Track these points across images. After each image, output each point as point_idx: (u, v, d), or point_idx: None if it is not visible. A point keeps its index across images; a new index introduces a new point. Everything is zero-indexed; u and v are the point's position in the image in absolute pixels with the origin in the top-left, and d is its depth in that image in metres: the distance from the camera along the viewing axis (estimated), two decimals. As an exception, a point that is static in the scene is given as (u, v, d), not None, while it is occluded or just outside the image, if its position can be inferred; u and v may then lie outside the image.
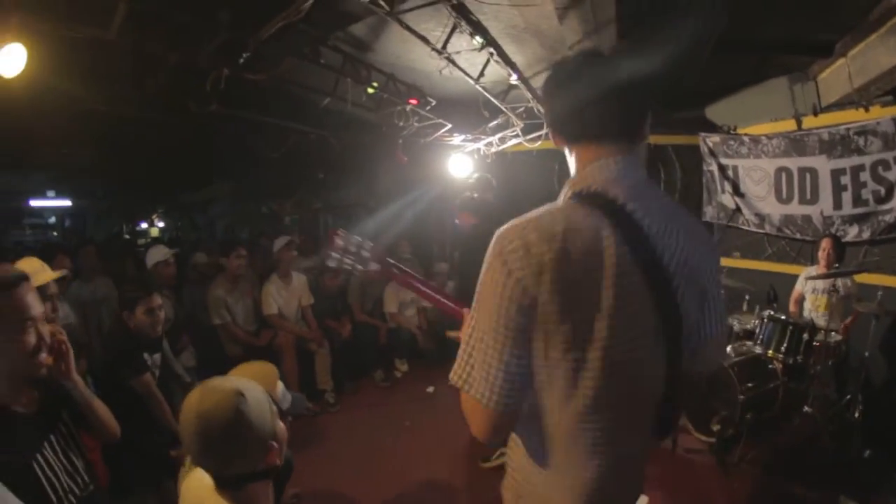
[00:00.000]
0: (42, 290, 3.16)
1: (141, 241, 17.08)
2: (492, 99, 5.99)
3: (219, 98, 4.33)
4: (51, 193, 16.41)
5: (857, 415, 4.83)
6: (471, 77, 5.10)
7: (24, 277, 1.89)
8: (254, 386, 1.68)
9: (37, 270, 3.26)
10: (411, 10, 3.72)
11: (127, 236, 19.03)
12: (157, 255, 5.31)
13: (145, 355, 3.72)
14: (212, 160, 9.47)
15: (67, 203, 17.80)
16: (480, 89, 5.44)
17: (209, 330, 5.67)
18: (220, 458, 1.60)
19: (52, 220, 21.64)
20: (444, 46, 4.32)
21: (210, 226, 15.56)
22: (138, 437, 2.95)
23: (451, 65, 4.67)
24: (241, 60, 3.95)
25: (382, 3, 3.37)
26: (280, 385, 2.75)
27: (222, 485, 1.63)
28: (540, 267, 1.23)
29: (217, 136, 7.06)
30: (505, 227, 1.35)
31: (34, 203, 17.52)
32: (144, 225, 20.56)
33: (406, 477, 4.44)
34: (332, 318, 6.47)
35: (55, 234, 21.35)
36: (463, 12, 3.89)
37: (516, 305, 1.25)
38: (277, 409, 1.84)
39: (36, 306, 1.89)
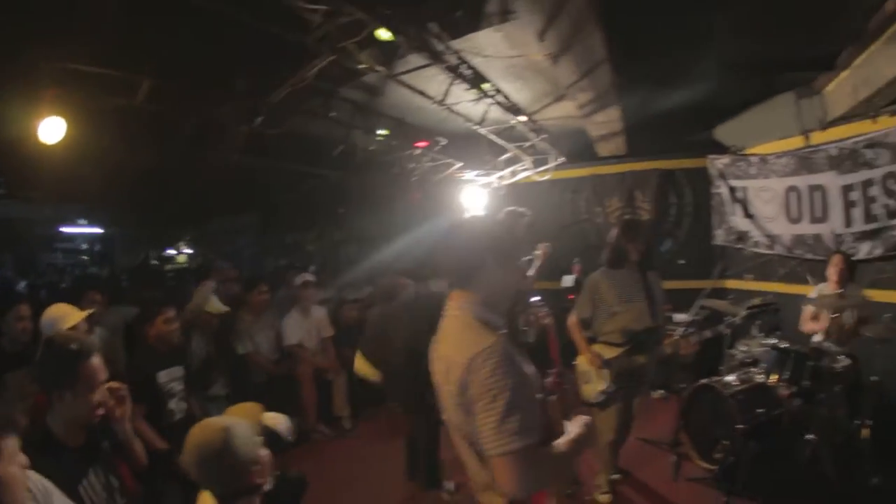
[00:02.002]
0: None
1: (168, 267, 17.96)
2: (495, 139, 6.49)
3: (238, 150, 4.96)
4: (82, 221, 17.43)
5: (865, 441, 4.78)
6: (473, 122, 5.61)
7: (95, 347, 2.53)
8: (239, 422, 2.31)
9: (66, 314, 3.90)
10: (409, 71, 4.29)
11: (155, 261, 19.89)
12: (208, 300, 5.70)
13: (161, 374, 4.21)
14: (236, 194, 10.15)
15: (98, 230, 19.00)
16: (484, 132, 5.94)
17: (239, 359, 6.14)
18: (215, 479, 2.17)
19: (84, 246, 22.89)
20: (445, 98, 4.82)
21: (237, 255, 16.27)
22: (165, 454, 3.57)
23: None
24: (256, 122, 4.56)
25: (381, 68, 3.95)
26: (282, 419, 3.33)
27: (220, 500, 2.18)
28: None
29: (240, 173, 7.69)
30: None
31: (66, 230, 18.54)
32: (172, 251, 21.44)
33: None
34: (350, 347, 6.60)
35: (85, 257, 22.54)
36: (458, 71, 4.44)
37: None
38: (278, 437, 2.48)
39: (102, 372, 2.52)
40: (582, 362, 4.63)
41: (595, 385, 4.50)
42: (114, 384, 2.67)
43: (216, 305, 5.65)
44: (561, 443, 2.14)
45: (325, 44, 3.51)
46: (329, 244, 13.32)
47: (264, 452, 2.32)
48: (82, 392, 2.44)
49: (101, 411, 2.53)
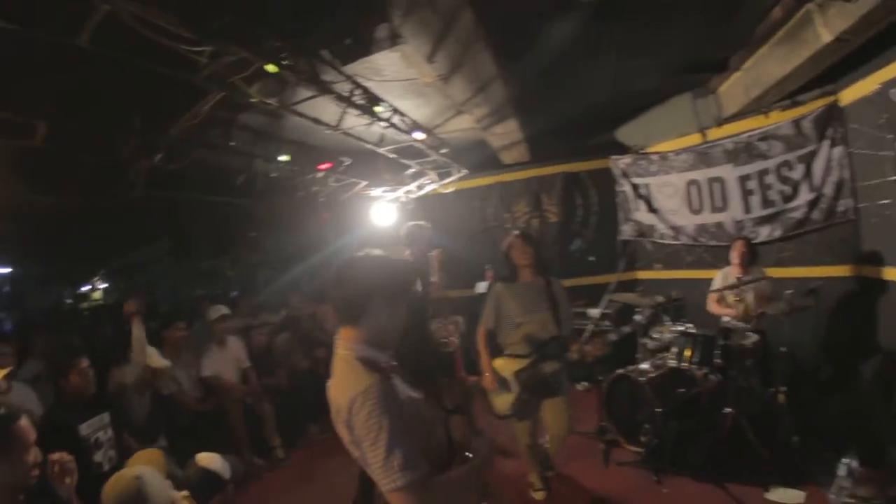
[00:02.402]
0: None
1: (84, 305, 17.44)
2: (396, 158, 6.67)
3: (140, 184, 4.94)
4: (-14, 262, 16.62)
5: (780, 406, 5.16)
6: (370, 143, 5.74)
7: (21, 412, 2.57)
8: (148, 469, 2.41)
9: None
10: (299, 102, 4.39)
11: (69, 300, 19.31)
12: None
13: (83, 426, 4.09)
14: (145, 225, 10.01)
15: (5, 270, 18.12)
16: (383, 152, 6.09)
17: (164, 401, 5.94)
18: None
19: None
20: (340, 123, 4.92)
21: (150, 286, 16.00)
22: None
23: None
24: (156, 159, 4.59)
25: (271, 101, 4.05)
26: (216, 458, 3.39)
27: None
28: None
29: (148, 204, 7.60)
30: None
31: (-31, 273, 17.68)
32: (87, 287, 20.80)
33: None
34: (266, 373, 6.82)
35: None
36: (350, 98, 4.56)
37: None
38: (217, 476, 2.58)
39: (32, 431, 2.54)
40: (486, 379, 4.70)
41: (504, 398, 4.58)
42: (59, 456, 2.72)
43: (158, 360, 5.59)
44: (462, 466, 2.24)
45: (214, 81, 3.56)
46: (245, 269, 13.22)
47: (176, 495, 2.40)
48: (17, 456, 2.45)
49: (35, 472, 2.55)
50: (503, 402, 4.59)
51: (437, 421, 2.38)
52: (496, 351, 4.78)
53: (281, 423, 6.50)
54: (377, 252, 2.31)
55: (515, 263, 4.69)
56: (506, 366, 4.60)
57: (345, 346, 2.17)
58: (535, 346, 4.52)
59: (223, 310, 6.57)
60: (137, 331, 5.33)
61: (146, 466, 2.42)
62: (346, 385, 2.05)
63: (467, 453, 2.32)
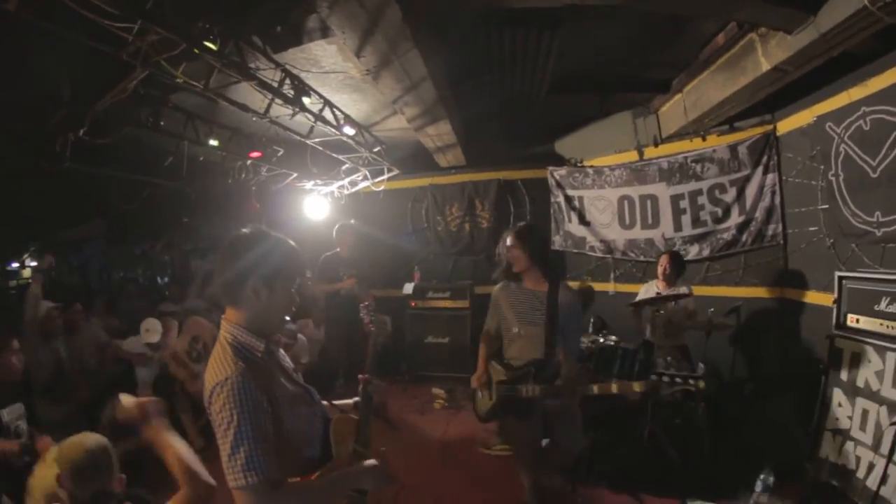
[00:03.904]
0: None
1: (12, 283, 17.12)
2: (327, 152, 6.88)
3: (70, 156, 5.03)
4: None
5: (700, 420, 5.38)
6: (300, 135, 5.91)
7: None
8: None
9: None
10: (226, 86, 4.51)
11: (-6, 277, 18.96)
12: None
13: (3, 411, 4.03)
14: (76, 203, 10.01)
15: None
16: (312, 144, 6.26)
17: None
18: (90, 484, 2.46)
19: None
20: (268, 111, 5.04)
21: (85, 266, 15.88)
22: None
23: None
24: (81, 132, 4.69)
25: (196, 84, 4.18)
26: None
27: None
28: None
29: (79, 181, 7.66)
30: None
31: None
32: (16, 265, 20.33)
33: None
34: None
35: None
36: (278, 88, 4.71)
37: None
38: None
39: None
40: (476, 378, 4.47)
41: (485, 402, 4.43)
42: None
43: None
44: (329, 475, 2.21)
45: (138, 58, 3.61)
46: (178, 254, 13.25)
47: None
48: None
49: None
50: (482, 405, 4.48)
51: (316, 421, 2.36)
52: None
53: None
54: (263, 229, 2.27)
55: (508, 262, 4.30)
56: (496, 373, 4.33)
57: (224, 328, 2.16)
58: (521, 364, 4.18)
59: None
60: (35, 288, 5.65)
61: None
62: (213, 370, 2.05)
63: (358, 457, 2.34)
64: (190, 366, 6.08)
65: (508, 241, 4.27)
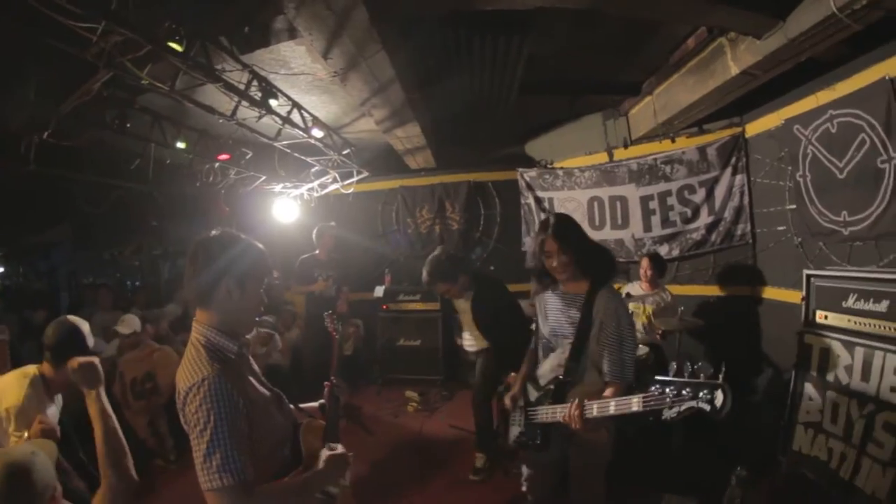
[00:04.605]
0: None
1: (-23, 289, 16.85)
2: (294, 154, 6.85)
3: (34, 159, 4.97)
4: None
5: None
6: (268, 138, 5.89)
7: None
8: (41, 450, 2.51)
9: None
10: (190, 88, 4.47)
11: (-40, 284, 18.62)
12: None
13: None
14: (42, 206, 9.91)
15: None
16: (280, 146, 6.27)
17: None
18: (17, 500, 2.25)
19: None
20: (234, 114, 5.03)
21: (52, 272, 15.71)
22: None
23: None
24: (46, 135, 4.66)
25: (162, 85, 4.13)
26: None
27: None
28: None
29: (44, 183, 7.58)
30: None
31: None
32: (-20, 270, 20.00)
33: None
34: None
35: None
36: (244, 90, 4.70)
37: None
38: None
39: None
40: (508, 398, 3.73)
41: (513, 426, 3.67)
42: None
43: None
44: (300, 476, 2.23)
45: (101, 59, 3.58)
46: (148, 259, 13.15)
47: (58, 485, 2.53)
48: None
49: None
50: (512, 430, 3.69)
51: (286, 424, 2.38)
52: None
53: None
54: (232, 231, 2.29)
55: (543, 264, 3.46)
56: (530, 392, 3.62)
57: (196, 330, 2.17)
58: (546, 383, 3.49)
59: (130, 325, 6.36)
60: None
61: (39, 449, 2.53)
62: (186, 372, 2.04)
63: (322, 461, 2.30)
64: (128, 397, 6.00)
65: (547, 247, 3.34)
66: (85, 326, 3.34)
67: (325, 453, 2.34)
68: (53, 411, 3.31)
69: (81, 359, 2.75)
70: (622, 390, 3.09)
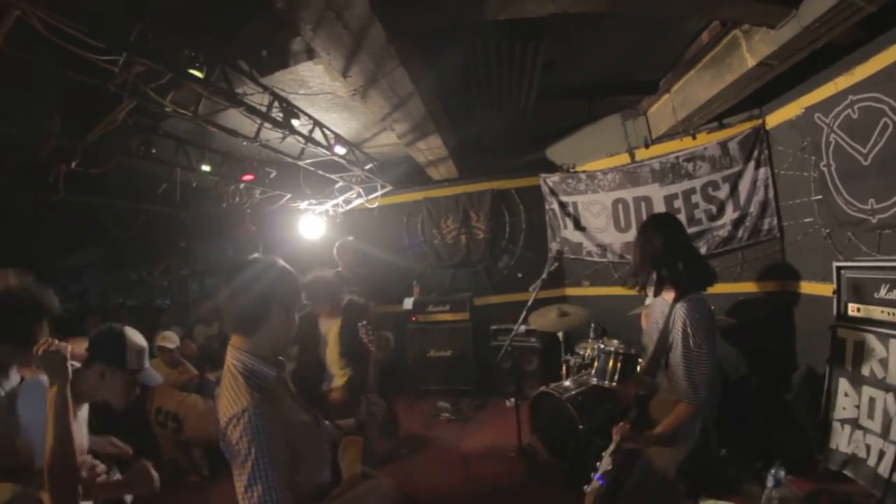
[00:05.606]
0: None
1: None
2: (319, 172, 6.90)
3: (63, 187, 5.01)
4: None
5: (710, 419, 5.33)
6: (291, 157, 5.93)
7: None
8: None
9: None
10: (214, 113, 4.57)
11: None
12: None
13: None
14: (73, 231, 10.05)
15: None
16: (304, 165, 6.30)
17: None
18: None
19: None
20: (258, 136, 5.09)
21: (83, 294, 15.98)
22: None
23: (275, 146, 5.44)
24: (74, 164, 4.75)
25: (185, 111, 4.19)
26: None
27: None
28: None
29: (74, 209, 7.70)
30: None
31: None
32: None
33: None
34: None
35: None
36: (267, 112, 4.75)
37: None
38: None
39: None
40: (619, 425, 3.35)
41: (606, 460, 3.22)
42: None
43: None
44: (344, 497, 2.27)
45: (125, 90, 3.65)
46: (177, 279, 13.31)
47: None
48: None
49: None
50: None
51: (324, 445, 2.39)
52: None
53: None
54: (269, 258, 2.29)
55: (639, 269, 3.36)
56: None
57: (233, 356, 2.17)
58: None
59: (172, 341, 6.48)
60: None
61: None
62: (226, 402, 2.06)
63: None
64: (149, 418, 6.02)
65: (651, 239, 3.30)
66: (136, 339, 2.96)
67: (371, 482, 2.37)
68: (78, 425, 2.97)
69: (48, 345, 2.55)
70: (694, 410, 3.14)
